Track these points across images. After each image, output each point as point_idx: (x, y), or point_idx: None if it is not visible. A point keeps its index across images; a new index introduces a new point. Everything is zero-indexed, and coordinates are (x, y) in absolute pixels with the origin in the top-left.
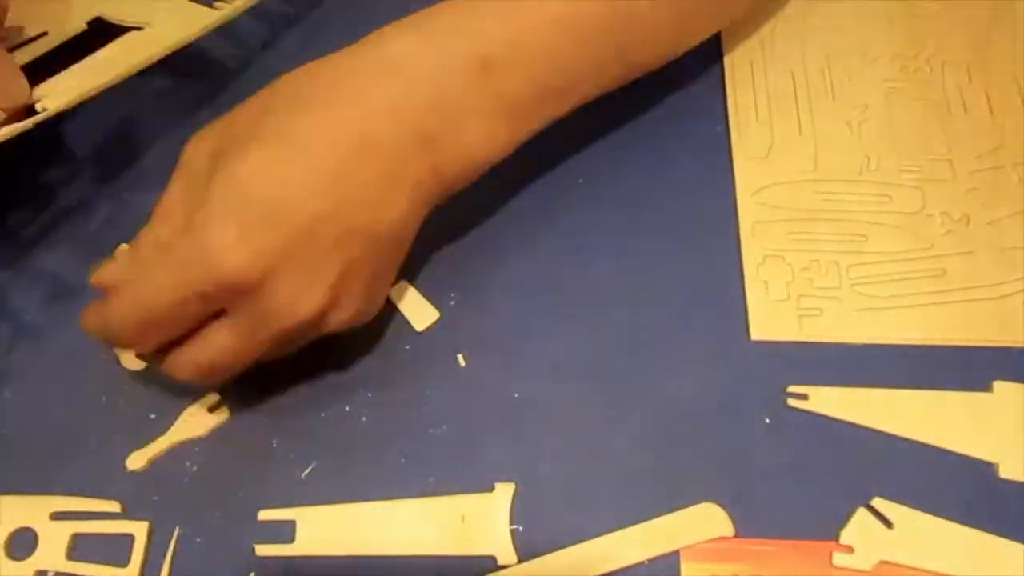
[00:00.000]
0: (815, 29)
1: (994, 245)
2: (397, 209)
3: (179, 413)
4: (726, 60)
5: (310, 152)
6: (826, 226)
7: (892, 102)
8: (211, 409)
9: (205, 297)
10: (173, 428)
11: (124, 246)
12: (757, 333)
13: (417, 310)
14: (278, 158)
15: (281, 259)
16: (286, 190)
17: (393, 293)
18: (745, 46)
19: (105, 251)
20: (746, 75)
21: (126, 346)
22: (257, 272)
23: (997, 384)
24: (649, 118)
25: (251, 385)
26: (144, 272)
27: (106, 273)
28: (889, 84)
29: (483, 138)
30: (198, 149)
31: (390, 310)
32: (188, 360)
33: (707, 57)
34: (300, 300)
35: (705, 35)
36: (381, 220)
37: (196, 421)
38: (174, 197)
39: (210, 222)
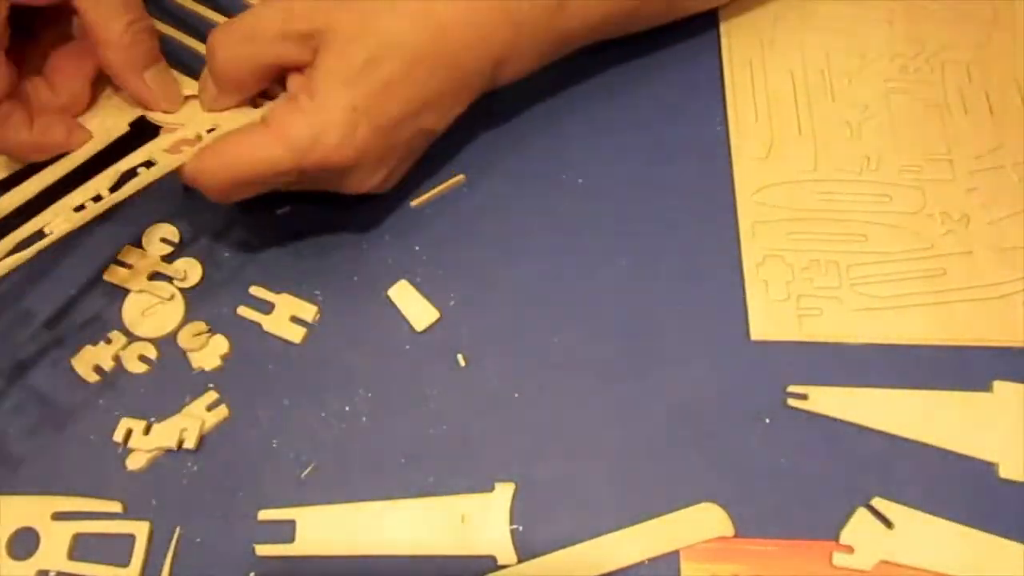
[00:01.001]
0: (815, 29)
1: (994, 245)
2: (456, 112)
3: (179, 413)
4: (726, 60)
5: (412, 60)
6: (826, 226)
7: (892, 102)
8: (211, 408)
9: (303, 172)
10: (173, 428)
11: None
12: (757, 333)
13: (417, 310)
14: (385, 56)
15: (369, 151)
16: (387, 90)
17: (393, 294)
18: (745, 46)
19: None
20: (746, 75)
21: (207, 193)
22: (353, 161)
23: (997, 384)
24: (649, 118)
25: (251, 385)
26: (255, 140)
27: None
28: (889, 84)
29: (535, 62)
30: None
31: (390, 310)
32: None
33: (707, 57)
34: (365, 181)
35: None
36: (443, 121)
37: (196, 420)
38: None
39: (323, 112)
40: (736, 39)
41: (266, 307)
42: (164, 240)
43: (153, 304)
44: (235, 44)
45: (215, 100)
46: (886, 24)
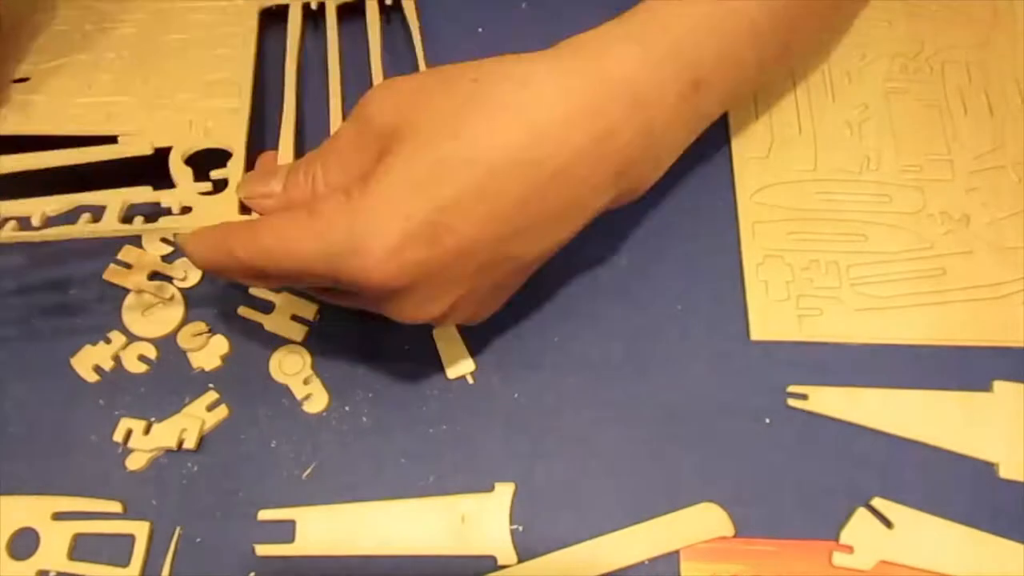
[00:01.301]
0: None
1: (994, 245)
2: (564, 238)
3: (179, 413)
4: None
5: (499, 169)
6: (826, 226)
7: (892, 102)
8: (211, 408)
9: (338, 282)
10: (173, 428)
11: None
12: (757, 333)
13: (454, 358)
14: (463, 162)
15: (426, 275)
16: (459, 205)
17: (437, 337)
18: None
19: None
20: None
21: (224, 274)
22: (400, 284)
23: (997, 384)
24: None
25: (251, 384)
26: (290, 228)
27: (254, 195)
28: (889, 84)
29: (673, 154)
30: (383, 104)
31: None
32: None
33: None
34: (420, 310)
35: (850, 22)
36: (542, 249)
37: (196, 420)
38: (344, 142)
39: (373, 217)
40: None
41: (266, 307)
42: (164, 240)
43: (153, 304)
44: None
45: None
46: (886, 24)
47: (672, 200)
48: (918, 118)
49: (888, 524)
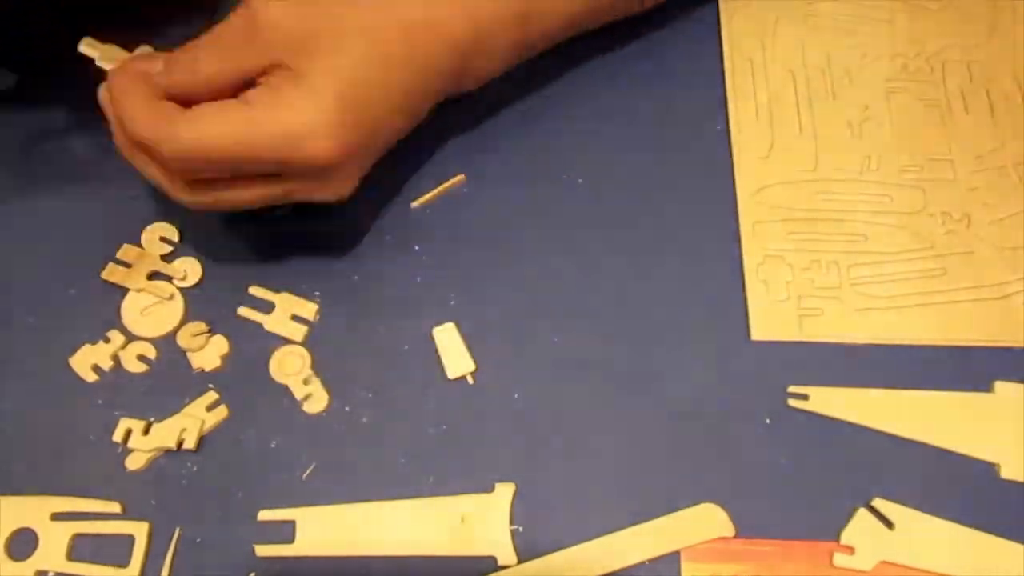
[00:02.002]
0: (815, 29)
1: (995, 245)
2: (422, 114)
3: (179, 413)
4: (726, 60)
5: (390, 65)
6: (826, 226)
7: (893, 102)
8: (211, 408)
9: (276, 164)
10: (173, 428)
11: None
12: (757, 333)
13: (454, 358)
14: (368, 60)
15: (352, 153)
16: (370, 93)
17: (437, 336)
18: (745, 45)
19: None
20: (746, 74)
21: (168, 162)
22: (335, 162)
23: (998, 384)
24: (650, 118)
25: (251, 384)
26: (220, 116)
27: (177, 82)
28: (890, 84)
29: (501, 64)
30: (287, 11)
31: (390, 310)
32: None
33: (707, 57)
34: (344, 186)
35: None
36: (411, 122)
37: (196, 420)
38: (229, 37)
39: (309, 104)
40: (737, 38)
41: (266, 307)
42: (164, 239)
43: (152, 304)
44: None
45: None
46: (887, 23)
47: (673, 200)
48: (919, 118)
49: (889, 525)
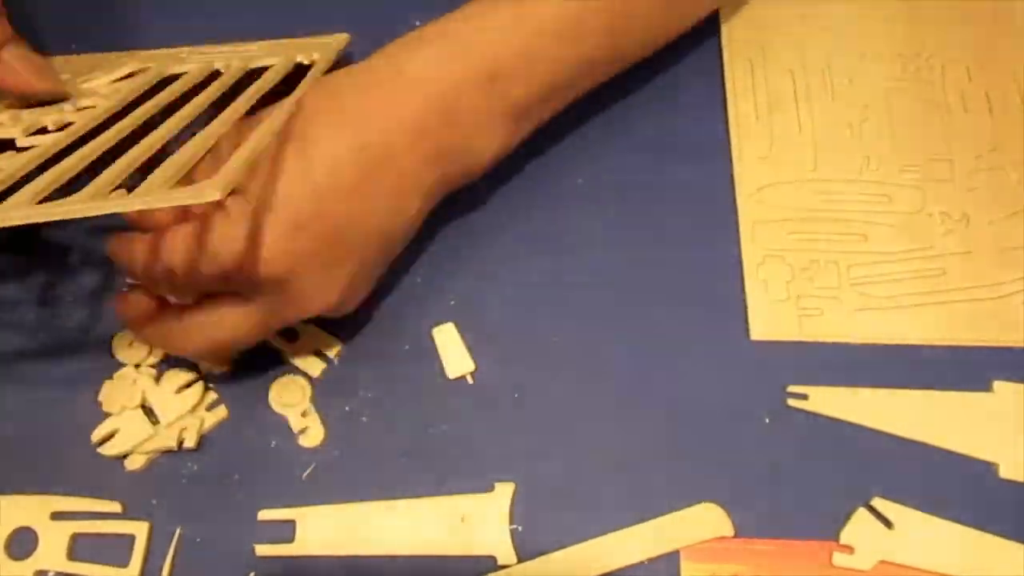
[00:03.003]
0: (815, 29)
1: (994, 245)
2: (411, 212)
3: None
4: (726, 60)
5: (339, 167)
6: (826, 226)
7: (892, 102)
8: (211, 408)
9: (230, 278)
10: (173, 428)
11: None
12: (757, 333)
13: (454, 358)
14: (310, 171)
15: (309, 259)
16: (317, 201)
17: (437, 336)
18: (745, 46)
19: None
20: (746, 75)
21: (140, 279)
22: (285, 270)
23: (997, 384)
24: (649, 118)
25: (251, 384)
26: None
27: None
28: (889, 84)
29: (490, 141)
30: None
31: (390, 310)
32: (201, 334)
33: (707, 57)
34: (317, 296)
35: (692, 21)
36: (396, 222)
37: (196, 420)
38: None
39: (250, 220)
40: (736, 38)
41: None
42: None
43: None
44: None
45: None
46: (886, 24)
47: (673, 199)
48: (918, 118)
49: (888, 524)
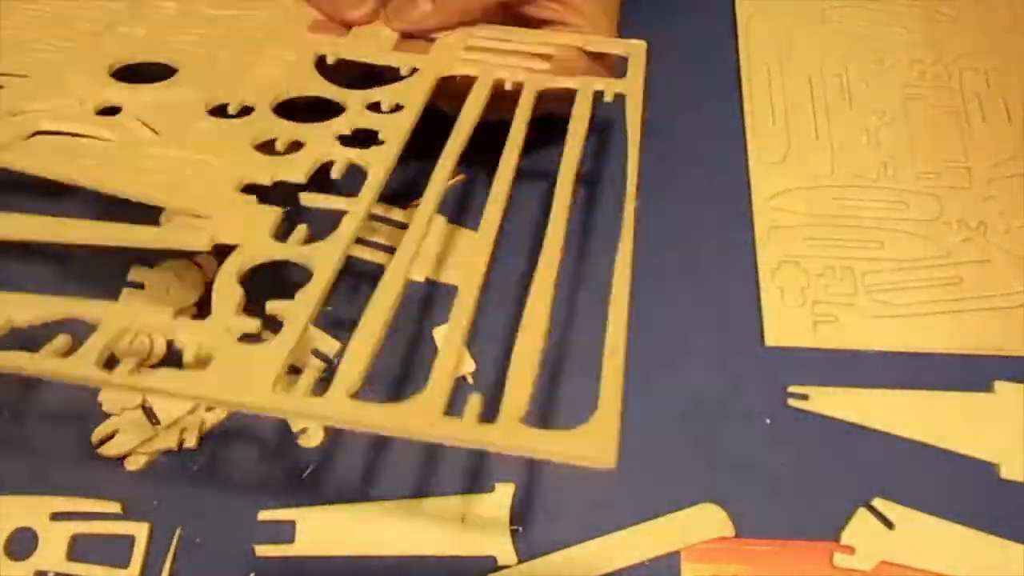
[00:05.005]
0: (832, 34)
1: (1011, 253)
2: None
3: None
4: (743, 64)
5: None
6: (842, 232)
7: (910, 108)
8: (210, 409)
9: None
10: (173, 428)
11: None
12: (772, 339)
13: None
14: None
15: None
16: None
17: (437, 336)
18: (762, 50)
19: None
20: (763, 79)
21: None
22: None
23: (998, 384)
24: (664, 122)
25: None
26: None
27: None
28: (907, 90)
29: None
30: None
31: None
32: None
33: (723, 61)
34: None
35: None
36: None
37: (196, 420)
38: None
39: None
40: (754, 43)
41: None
42: None
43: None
44: None
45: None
46: (904, 30)
47: (688, 204)
48: (936, 125)
49: (889, 525)
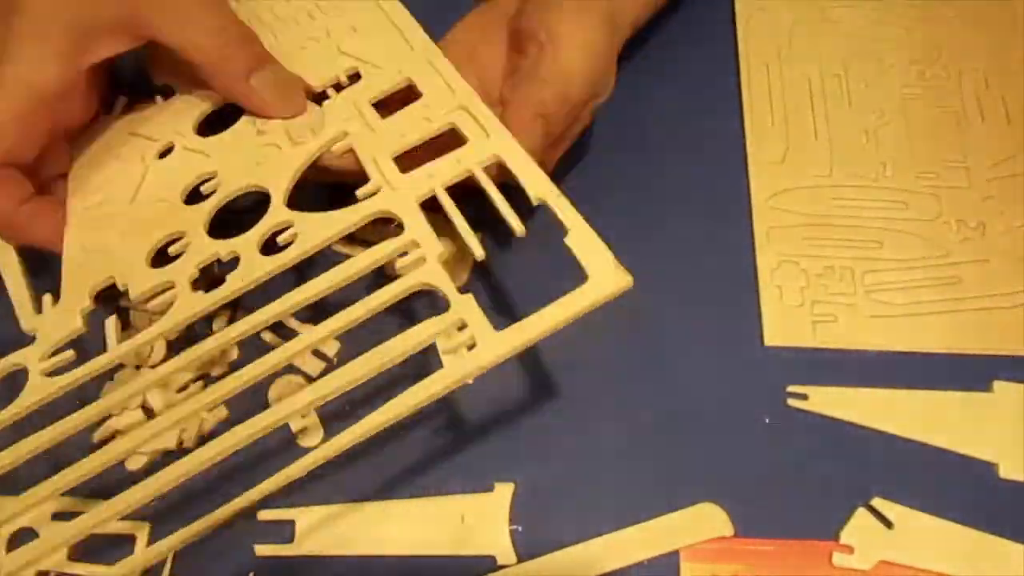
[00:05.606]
0: (832, 34)
1: (1010, 253)
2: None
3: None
4: (742, 65)
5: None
6: (841, 232)
7: (909, 108)
8: (210, 409)
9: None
10: (173, 428)
11: None
12: (771, 338)
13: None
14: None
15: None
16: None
17: None
18: (762, 51)
19: None
20: (762, 80)
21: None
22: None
23: (997, 384)
24: (665, 121)
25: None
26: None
27: None
28: (906, 90)
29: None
30: None
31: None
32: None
33: (723, 61)
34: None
35: None
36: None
37: (196, 420)
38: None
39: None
40: (753, 43)
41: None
42: None
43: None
44: None
45: None
46: (904, 30)
47: (687, 204)
48: (935, 125)
49: (888, 524)
